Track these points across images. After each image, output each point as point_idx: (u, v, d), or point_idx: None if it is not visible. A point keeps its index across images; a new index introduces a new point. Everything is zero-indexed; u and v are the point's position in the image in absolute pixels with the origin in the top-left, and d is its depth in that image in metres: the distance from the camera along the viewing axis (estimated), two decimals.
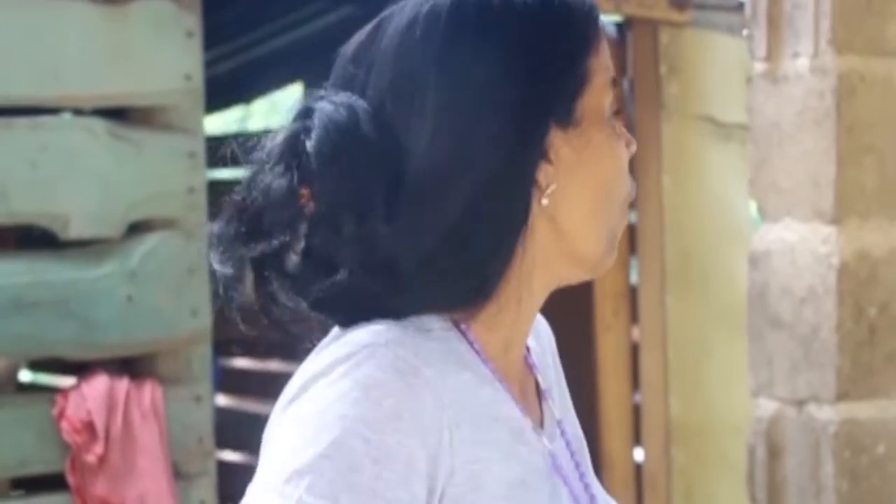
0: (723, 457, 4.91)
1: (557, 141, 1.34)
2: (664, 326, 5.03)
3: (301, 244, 1.31)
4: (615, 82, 1.38)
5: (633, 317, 5.17)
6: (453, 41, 1.33)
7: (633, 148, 1.40)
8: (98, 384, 3.66)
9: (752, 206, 3.44)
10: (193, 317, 3.81)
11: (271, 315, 1.35)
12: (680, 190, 5.05)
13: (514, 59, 1.32)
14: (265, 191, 1.31)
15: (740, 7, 4.86)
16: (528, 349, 1.46)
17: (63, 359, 3.87)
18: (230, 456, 6.22)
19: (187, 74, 3.81)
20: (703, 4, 5.09)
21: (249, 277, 1.34)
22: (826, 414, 3.05)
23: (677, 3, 5.01)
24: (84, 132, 3.67)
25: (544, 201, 1.33)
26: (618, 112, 1.39)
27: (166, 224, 3.78)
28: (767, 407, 3.18)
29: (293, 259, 1.32)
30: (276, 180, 1.30)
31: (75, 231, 3.65)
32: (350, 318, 1.32)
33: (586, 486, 1.42)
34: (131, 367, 3.78)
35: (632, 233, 5.08)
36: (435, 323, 1.32)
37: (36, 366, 5.38)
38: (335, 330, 1.34)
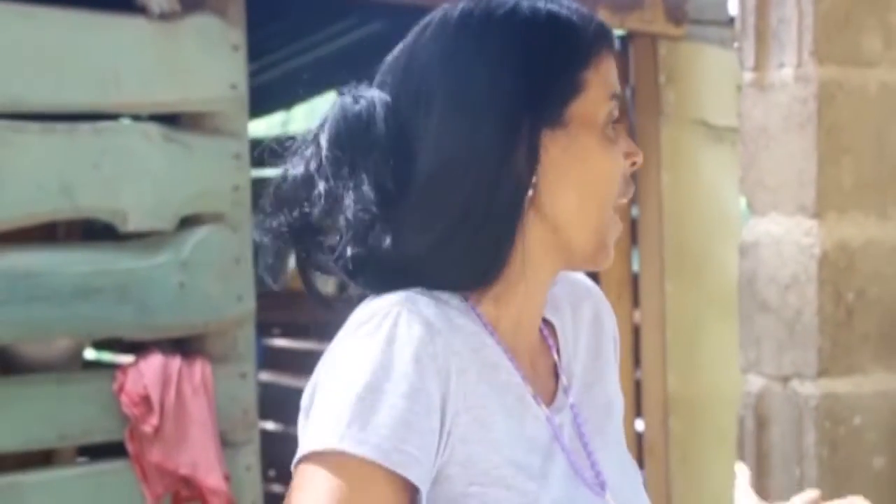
0: (715, 427, 4.91)
1: (545, 139, 1.34)
2: (663, 310, 5.03)
3: (333, 219, 1.34)
4: (618, 97, 1.38)
5: (635, 301, 5.16)
6: (457, 45, 1.34)
7: (638, 159, 1.39)
8: (153, 362, 3.68)
9: (742, 202, 3.44)
10: (239, 301, 3.83)
11: (311, 288, 1.38)
12: (677, 187, 5.05)
13: (511, 65, 1.33)
14: (290, 172, 1.36)
15: (731, 22, 4.85)
16: (552, 330, 1.46)
17: (122, 339, 3.89)
18: (272, 426, 6.23)
19: (233, 84, 3.82)
20: (697, 20, 5.08)
21: (290, 254, 1.38)
22: (808, 389, 3.05)
23: (674, 18, 5.00)
24: (141, 136, 3.69)
25: (529, 192, 1.34)
26: (618, 122, 1.38)
27: (214, 218, 3.80)
28: (756, 382, 3.18)
29: (329, 231, 1.35)
30: (299, 163, 1.36)
31: (133, 224, 3.66)
32: (379, 288, 1.34)
33: (592, 461, 1.41)
34: (183, 346, 3.80)
35: (633, 226, 5.08)
36: (449, 297, 1.34)
37: (99, 345, 5.41)
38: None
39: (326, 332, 1.42)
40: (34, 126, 3.52)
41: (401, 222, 1.33)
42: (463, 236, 1.32)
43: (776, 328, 3.12)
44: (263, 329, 6.00)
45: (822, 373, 3.03)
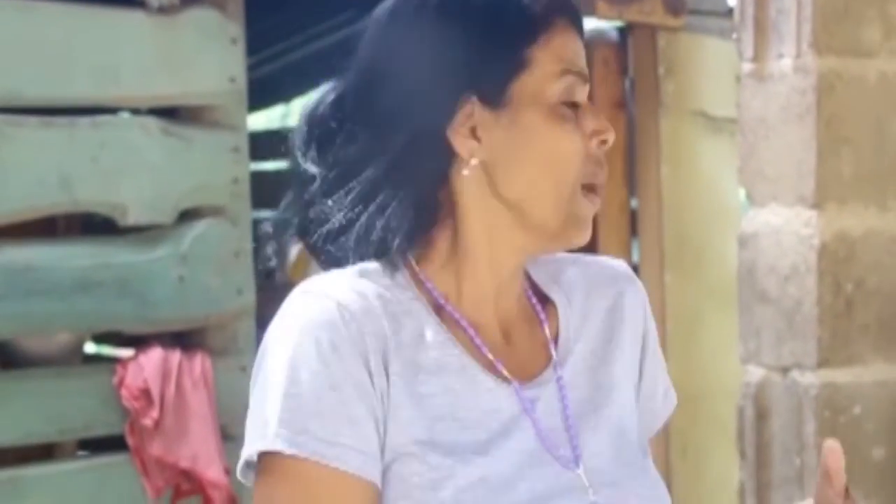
0: (716, 418, 4.91)
1: (486, 120, 1.33)
2: (663, 301, 5.03)
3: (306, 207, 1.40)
4: (577, 73, 1.34)
5: None
6: (396, 17, 1.37)
7: (608, 136, 1.35)
8: (154, 356, 3.68)
9: (742, 193, 3.44)
10: (239, 295, 3.83)
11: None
12: (677, 178, 5.05)
13: (448, 42, 1.32)
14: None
15: (730, 13, 4.85)
16: (552, 308, 1.45)
17: (122, 333, 3.89)
18: None
19: (232, 77, 3.82)
20: (696, 10, 5.08)
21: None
22: (808, 379, 3.06)
23: (673, 9, 4.99)
24: (140, 129, 3.69)
25: (465, 172, 1.33)
26: (575, 100, 1.34)
27: (214, 211, 3.80)
28: (756, 373, 3.19)
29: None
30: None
31: (132, 218, 3.66)
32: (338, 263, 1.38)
33: (571, 435, 1.37)
34: (183, 340, 3.80)
35: (633, 217, 5.08)
36: (388, 271, 1.35)
37: (99, 339, 5.41)
38: None
39: None
40: (33, 120, 3.52)
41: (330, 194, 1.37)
42: (383, 200, 1.33)
43: (776, 319, 3.12)
44: (263, 322, 6.01)
45: (822, 363, 3.04)
